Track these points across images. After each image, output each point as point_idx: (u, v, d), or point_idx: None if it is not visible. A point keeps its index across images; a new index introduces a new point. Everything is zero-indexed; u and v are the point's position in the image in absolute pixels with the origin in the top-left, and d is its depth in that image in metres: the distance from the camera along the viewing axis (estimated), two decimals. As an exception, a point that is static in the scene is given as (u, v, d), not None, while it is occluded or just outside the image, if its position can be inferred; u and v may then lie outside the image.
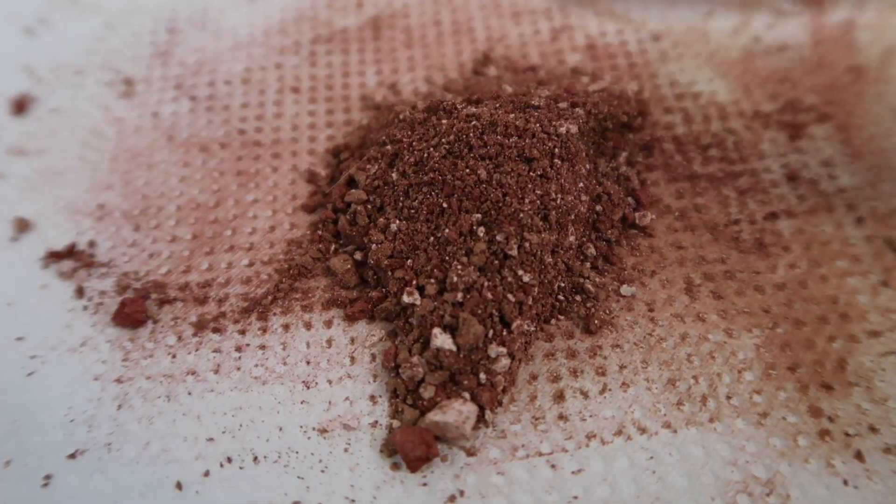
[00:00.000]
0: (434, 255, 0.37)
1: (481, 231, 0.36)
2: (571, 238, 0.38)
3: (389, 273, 0.38)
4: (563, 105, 0.42)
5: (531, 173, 0.37)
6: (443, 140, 0.39)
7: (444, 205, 0.37)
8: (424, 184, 0.38)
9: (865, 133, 0.46)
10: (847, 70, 0.49)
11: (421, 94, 0.51)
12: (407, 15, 0.57)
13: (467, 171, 0.37)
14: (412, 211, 0.38)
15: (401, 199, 0.39)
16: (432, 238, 0.37)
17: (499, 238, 0.36)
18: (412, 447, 0.33)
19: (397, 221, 0.38)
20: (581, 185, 0.39)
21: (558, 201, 0.37)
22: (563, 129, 0.39)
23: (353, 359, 0.37)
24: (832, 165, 0.44)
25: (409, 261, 0.38)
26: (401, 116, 0.43)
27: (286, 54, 0.54)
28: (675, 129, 0.47)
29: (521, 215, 0.36)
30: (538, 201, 0.37)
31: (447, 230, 0.37)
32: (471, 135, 0.39)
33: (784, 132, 0.46)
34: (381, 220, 0.39)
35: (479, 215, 0.37)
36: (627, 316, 0.38)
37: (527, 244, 0.36)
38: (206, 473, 0.34)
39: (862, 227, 0.41)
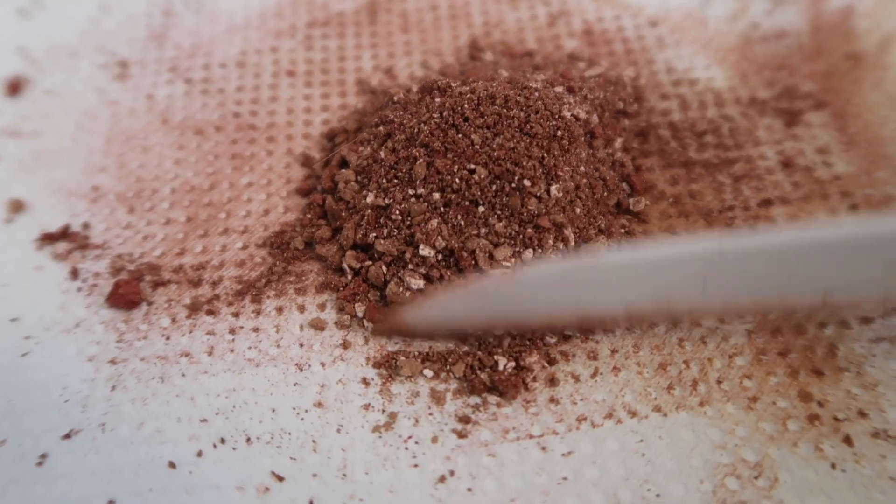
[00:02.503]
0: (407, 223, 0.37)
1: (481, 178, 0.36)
2: (578, 210, 0.38)
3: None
4: (559, 89, 0.42)
5: (534, 147, 0.37)
6: (434, 115, 0.38)
7: (431, 166, 0.37)
8: (413, 157, 0.38)
9: (862, 121, 0.46)
10: (845, 57, 0.49)
11: (417, 78, 0.50)
12: (404, -1, 0.56)
13: (460, 136, 0.37)
14: (395, 180, 0.38)
15: (387, 172, 0.39)
16: (413, 199, 0.37)
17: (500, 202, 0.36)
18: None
19: (373, 193, 0.38)
20: (582, 169, 0.39)
21: (565, 177, 0.37)
22: (567, 114, 0.39)
23: (345, 342, 0.38)
24: (828, 153, 0.44)
25: (374, 235, 0.38)
26: (395, 99, 0.43)
27: (282, 38, 0.54)
28: (671, 116, 0.47)
29: (526, 181, 0.36)
30: (541, 170, 0.37)
31: (438, 164, 0.36)
32: (465, 106, 0.38)
33: (780, 119, 0.46)
34: (363, 192, 0.39)
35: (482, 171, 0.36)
36: (620, 301, 0.38)
37: (531, 207, 0.36)
38: (200, 454, 0.34)
39: (856, 215, 0.41)
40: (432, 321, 0.37)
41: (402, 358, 0.36)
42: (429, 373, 0.36)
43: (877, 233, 0.31)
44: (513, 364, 0.36)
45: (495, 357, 0.36)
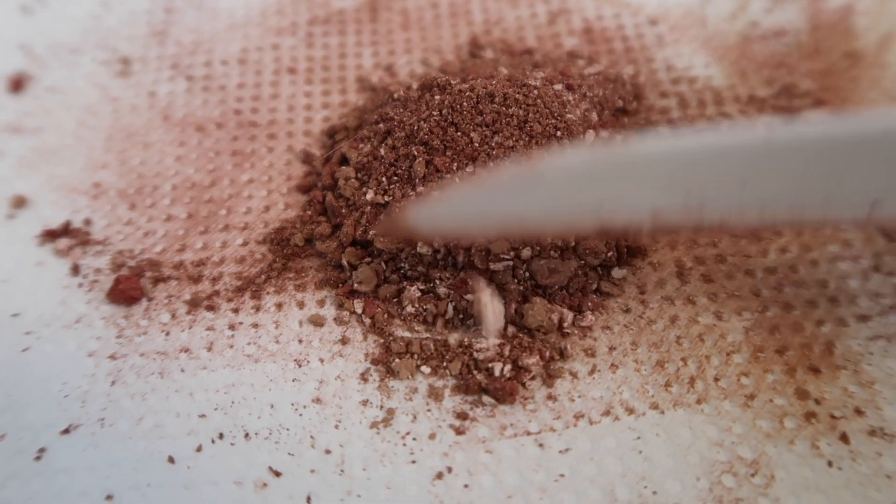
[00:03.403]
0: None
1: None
2: None
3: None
4: (558, 87, 0.42)
5: (533, 146, 0.37)
6: (433, 113, 0.38)
7: (430, 164, 0.37)
8: (412, 155, 0.38)
9: (861, 119, 0.46)
10: (844, 56, 0.49)
11: (417, 75, 0.50)
12: (404, -3, 0.56)
13: (459, 134, 0.37)
14: (395, 178, 0.38)
15: (387, 170, 0.39)
16: (412, 197, 0.37)
17: None
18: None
19: (373, 190, 0.38)
20: None
21: None
22: (570, 116, 0.39)
23: (344, 338, 0.38)
24: (826, 151, 0.44)
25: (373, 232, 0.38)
26: (395, 96, 0.43)
27: (283, 35, 0.54)
28: (670, 114, 0.47)
29: None
30: None
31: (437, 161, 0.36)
32: (464, 104, 0.38)
33: (779, 117, 0.46)
34: (363, 189, 0.39)
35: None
36: (618, 298, 0.38)
37: None
38: (198, 449, 0.34)
39: None
40: (440, 222, 0.33)
41: (397, 360, 0.36)
42: (426, 369, 0.36)
43: None
44: (509, 367, 0.35)
45: (490, 364, 0.36)
